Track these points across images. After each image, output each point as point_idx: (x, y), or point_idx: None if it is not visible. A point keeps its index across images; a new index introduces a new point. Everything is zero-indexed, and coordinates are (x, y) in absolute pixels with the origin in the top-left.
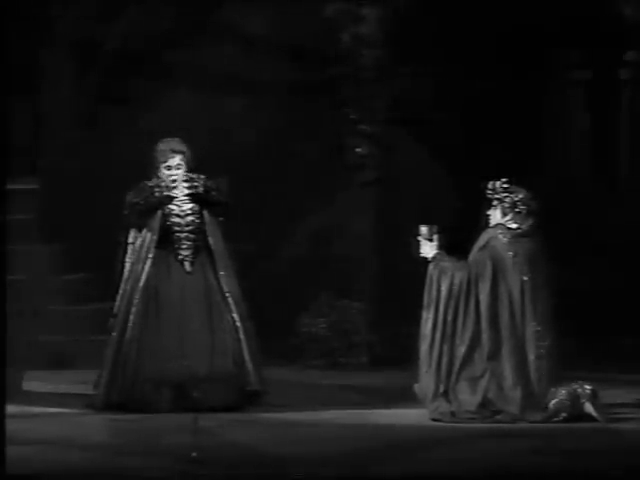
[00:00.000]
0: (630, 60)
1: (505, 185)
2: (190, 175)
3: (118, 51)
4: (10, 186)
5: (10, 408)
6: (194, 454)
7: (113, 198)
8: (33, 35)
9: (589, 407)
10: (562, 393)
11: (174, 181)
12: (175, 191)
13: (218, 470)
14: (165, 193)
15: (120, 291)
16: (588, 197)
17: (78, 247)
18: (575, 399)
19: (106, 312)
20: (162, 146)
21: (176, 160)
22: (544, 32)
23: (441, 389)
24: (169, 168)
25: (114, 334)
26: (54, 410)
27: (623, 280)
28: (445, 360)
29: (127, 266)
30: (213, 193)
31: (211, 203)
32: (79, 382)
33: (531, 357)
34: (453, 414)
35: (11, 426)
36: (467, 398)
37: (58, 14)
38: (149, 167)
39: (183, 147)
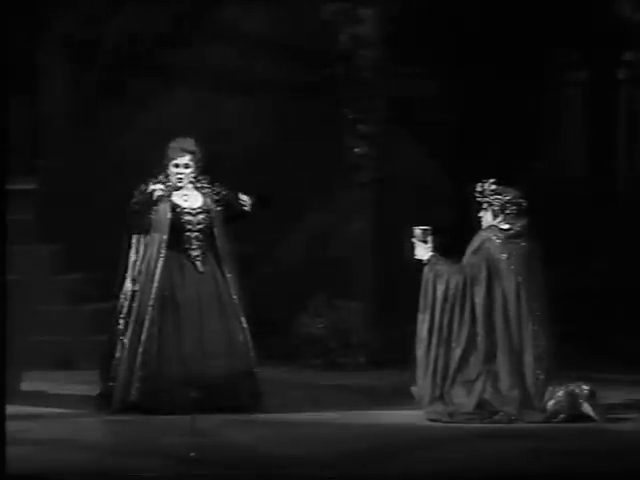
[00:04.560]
0: (628, 60)
1: (493, 187)
2: (204, 180)
3: (117, 51)
4: (9, 186)
5: (10, 408)
6: (192, 454)
7: (113, 198)
8: (32, 35)
9: (587, 407)
10: (560, 394)
11: (181, 179)
12: (185, 191)
13: (218, 470)
14: (157, 192)
15: (127, 291)
16: (586, 197)
17: (78, 247)
18: (573, 399)
19: (106, 312)
20: (173, 144)
21: (185, 159)
22: (542, 32)
23: (437, 393)
24: (177, 166)
25: (127, 334)
26: (54, 410)
27: (622, 280)
28: (441, 363)
29: (136, 266)
30: (242, 203)
31: (236, 213)
32: (79, 382)
33: (528, 358)
34: (451, 415)
35: (11, 426)
36: (463, 401)
37: (57, 14)
38: (156, 165)
39: (194, 148)
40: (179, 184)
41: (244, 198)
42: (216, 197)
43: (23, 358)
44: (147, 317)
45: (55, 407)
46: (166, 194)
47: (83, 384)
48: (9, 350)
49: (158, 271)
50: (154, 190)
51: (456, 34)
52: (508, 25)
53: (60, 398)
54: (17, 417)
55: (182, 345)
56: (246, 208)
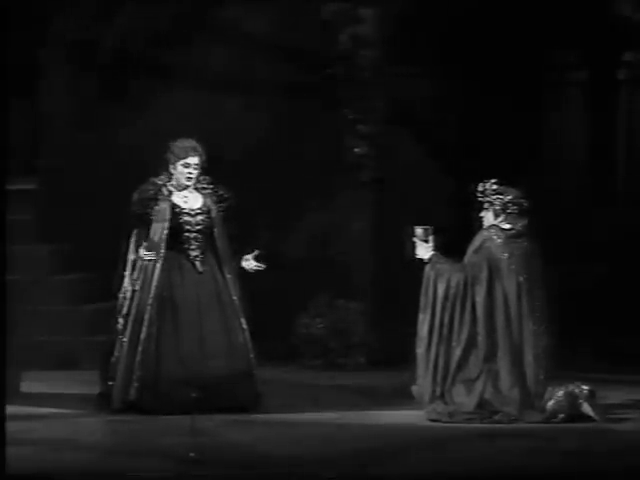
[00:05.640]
0: (628, 60)
1: (494, 186)
2: (204, 181)
3: (117, 51)
4: (9, 186)
5: (10, 408)
6: (192, 454)
7: (113, 198)
8: (32, 35)
9: (587, 407)
10: (559, 394)
11: (190, 179)
12: (185, 192)
13: (218, 470)
14: (146, 258)
15: (127, 291)
16: (586, 197)
17: (78, 247)
18: (573, 399)
19: (106, 312)
20: (181, 144)
21: (195, 159)
22: (542, 32)
23: (437, 392)
24: (187, 166)
25: (126, 334)
26: (54, 410)
27: (622, 280)
28: (441, 362)
29: (136, 265)
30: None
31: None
32: (79, 382)
33: (529, 358)
34: (451, 415)
35: (11, 426)
36: (464, 400)
37: (57, 14)
38: (154, 165)
39: (201, 150)
40: (187, 183)
41: (257, 267)
42: (217, 199)
43: (23, 358)
44: (146, 317)
45: (55, 407)
46: (154, 257)
47: (83, 384)
48: (9, 350)
49: (157, 271)
50: (144, 256)
51: (456, 34)
52: (508, 25)
53: (60, 398)
54: (17, 417)
55: (181, 345)
56: (259, 268)
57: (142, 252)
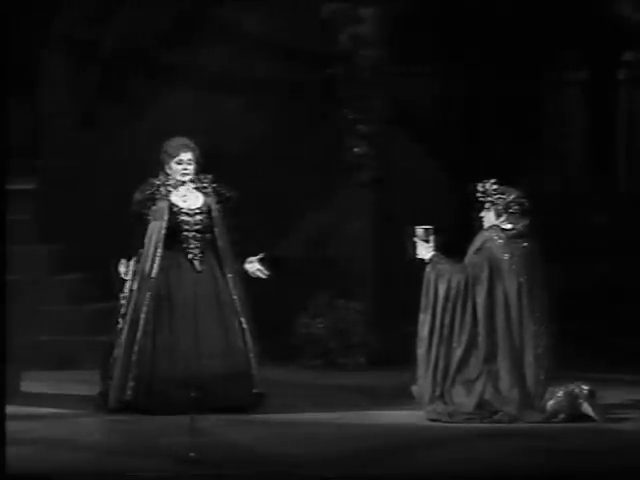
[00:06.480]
0: (628, 60)
1: (495, 186)
2: (205, 180)
3: (117, 50)
4: (9, 186)
5: (10, 408)
6: (192, 454)
7: (112, 198)
8: (33, 35)
9: (587, 407)
10: (560, 394)
11: (186, 174)
12: (181, 188)
13: (217, 470)
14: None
15: (127, 291)
16: (587, 197)
17: (78, 247)
18: (573, 399)
19: (106, 312)
20: (174, 142)
21: (189, 155)
22: (542, 32)
23: (437, 392)
24: (181, 162)
25: (123, 333)
26: (54, 410)
27: (622, 280)
28: (441, 363)
29: (131, 264)
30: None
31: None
32: (79, 382)
33: (529, 358)
34: (451, 415)
35: (11, 426)
36: (463, 401)
37: (57, 14)
38: (154, 165)
39: (194, 145)
40: (183, 179)
41: (259, 271)
42: (218, 199)
43: (23, 358)
44: (142, 316)
45: (55, 407)
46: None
47: (83, 384)
48: (9, 350)
49: (155, 269)
50: (121, 274)
51: (456, 34)
52: (508, 25)
53: (60, 398)
54: (17, 417)
55: (177, 344)
56: (262, 276)
57: (120, 268)
